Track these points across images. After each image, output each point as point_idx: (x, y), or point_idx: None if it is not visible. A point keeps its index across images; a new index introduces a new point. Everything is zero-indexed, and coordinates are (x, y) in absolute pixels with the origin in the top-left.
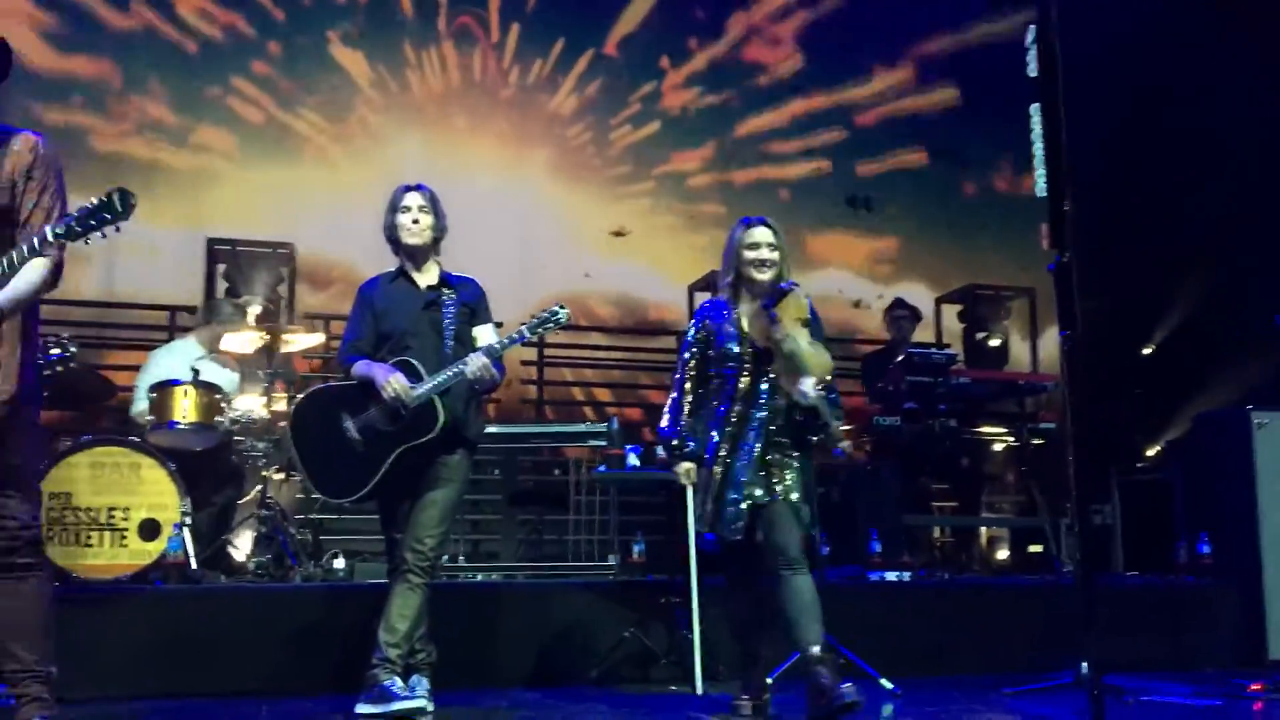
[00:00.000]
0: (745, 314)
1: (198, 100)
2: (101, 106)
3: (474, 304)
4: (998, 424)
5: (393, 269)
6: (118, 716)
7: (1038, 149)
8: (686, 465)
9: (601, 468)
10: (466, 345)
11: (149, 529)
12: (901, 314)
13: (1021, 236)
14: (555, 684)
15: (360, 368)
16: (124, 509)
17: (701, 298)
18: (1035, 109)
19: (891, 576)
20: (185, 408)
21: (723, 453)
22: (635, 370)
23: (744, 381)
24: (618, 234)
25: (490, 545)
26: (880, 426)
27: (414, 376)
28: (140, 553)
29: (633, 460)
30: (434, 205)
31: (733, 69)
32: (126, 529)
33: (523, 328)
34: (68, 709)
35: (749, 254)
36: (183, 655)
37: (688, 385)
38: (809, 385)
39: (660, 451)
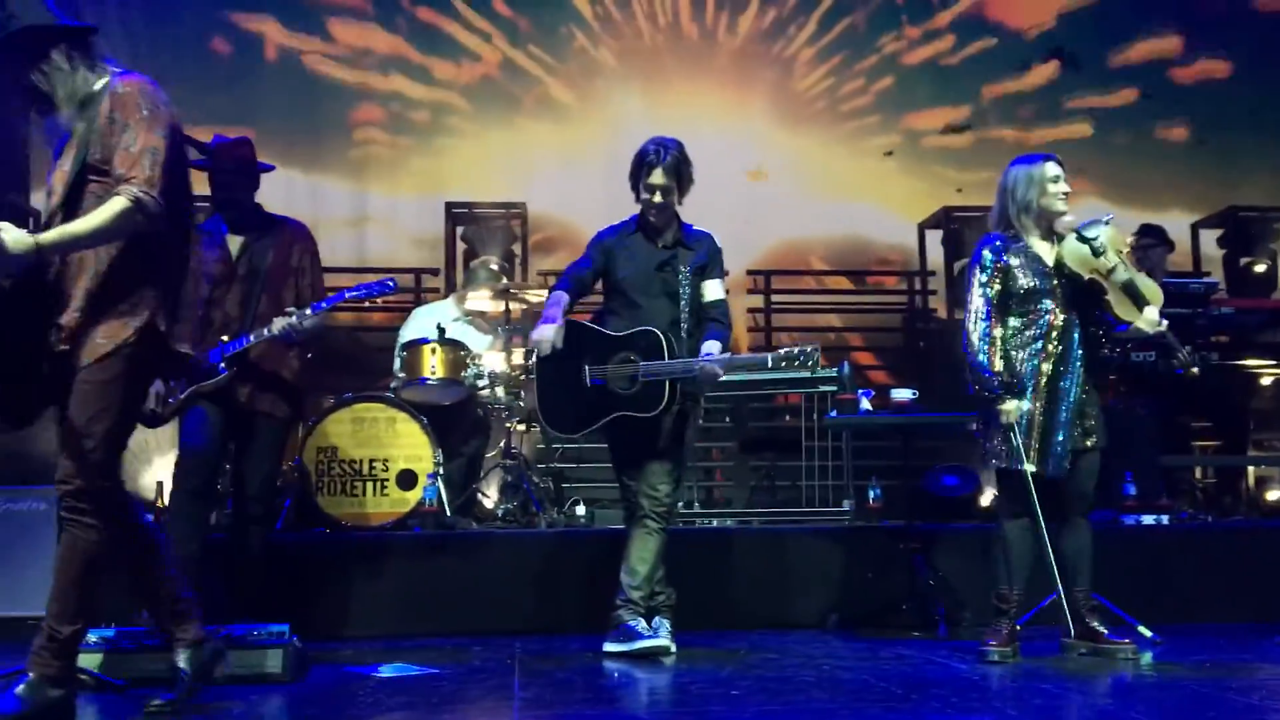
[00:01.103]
0: (1053, 248)
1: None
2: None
3: (706, 261)
4: (1266, 356)
5: (630, 221)
6: (381, 652)
7: None
8: (1015, 403)
9: (833, 413)
10: (700, 308)
11: (407, 479)
12: (1149, 242)
13: None
14: (793, 628)
15: (550, 301)
16: (384, 460)
17: (934, 235)
18: None
19: (1149, 520)
20: (433, 364)
21: (1044, 389)
22: (865, 314)
23: (1059, 317)
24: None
25: (724, 491)
26: (1133, 362)
27: (655, 351)
28: (400, 501)
29: (865, 404)
30: (678, 171)
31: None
32: (387, 479)
33: (769, 356)
34: (340, 645)
35: (1053, 187)
36: (440, 596)
37: (994, 319)
38: (1154, 313)
39: (975, 386)
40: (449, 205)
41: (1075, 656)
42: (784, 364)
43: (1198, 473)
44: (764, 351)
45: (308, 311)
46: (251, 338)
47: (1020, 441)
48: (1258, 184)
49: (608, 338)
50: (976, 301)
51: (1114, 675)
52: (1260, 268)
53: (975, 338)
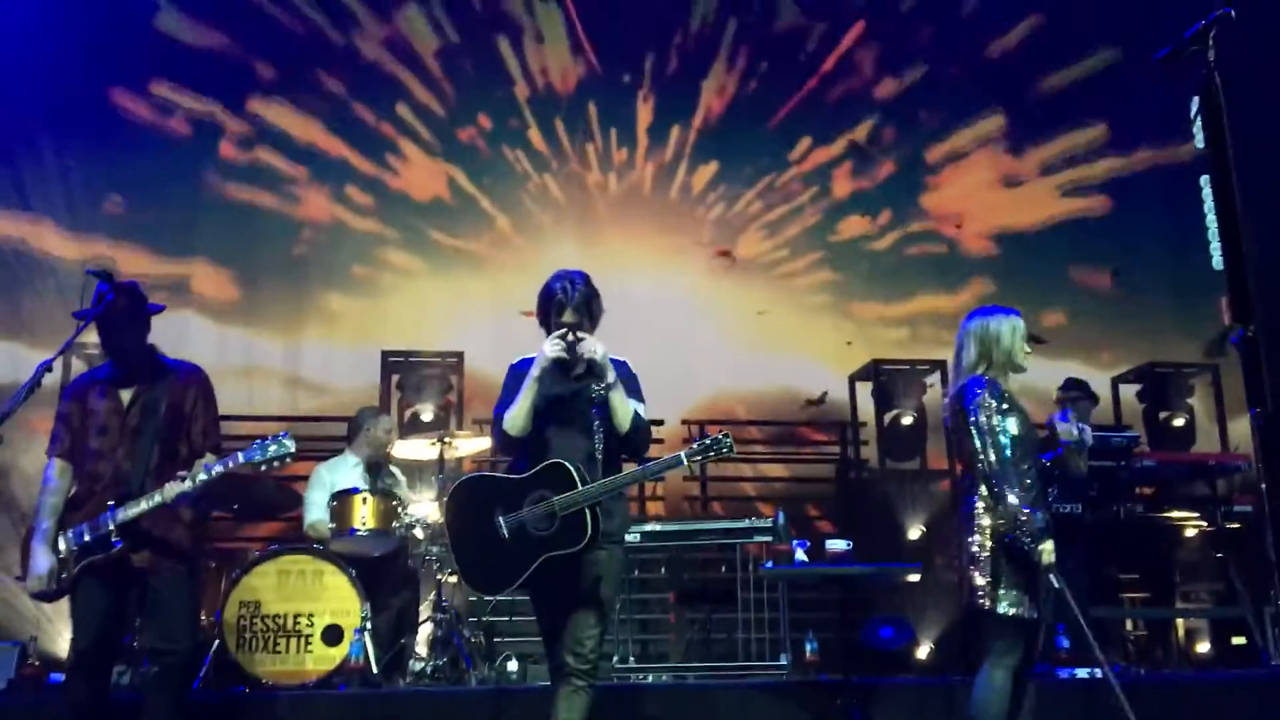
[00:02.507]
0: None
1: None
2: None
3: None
4: (1188, 508)
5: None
6: None
7: (1211, 221)
8: (1051, 545)
9: (769, 564)
10: (614, 437)
11: (332, 634)
12: (1075, 394)
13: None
14: None
15: (521, 390)
16: (309, 615)
17: (864, 387)
18: (1205, 181)
19: (1083, 674)
20: (364, 515)
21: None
22: (798, 464)
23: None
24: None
25: (660, 645)
26: (1061, 514)
27: (567, 482)
28: (324, 658)
29: (800, 555)
30: (589, 307)
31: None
32: (311, 635)
33: (682, 454)
34: None
35: (1027, 345)
36: None
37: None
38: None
39: (1017, 530)
40: (385, 354)
41: None
42: (698, 456)
43: (1128, 625)
44: (700, 507)
45: (200, 476)
46: (144, 504)
47: (1023, 588)
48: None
49: (514, 481)
50: (998, 439)
51: None
52: (1179, 421)
53: (1011, 475)
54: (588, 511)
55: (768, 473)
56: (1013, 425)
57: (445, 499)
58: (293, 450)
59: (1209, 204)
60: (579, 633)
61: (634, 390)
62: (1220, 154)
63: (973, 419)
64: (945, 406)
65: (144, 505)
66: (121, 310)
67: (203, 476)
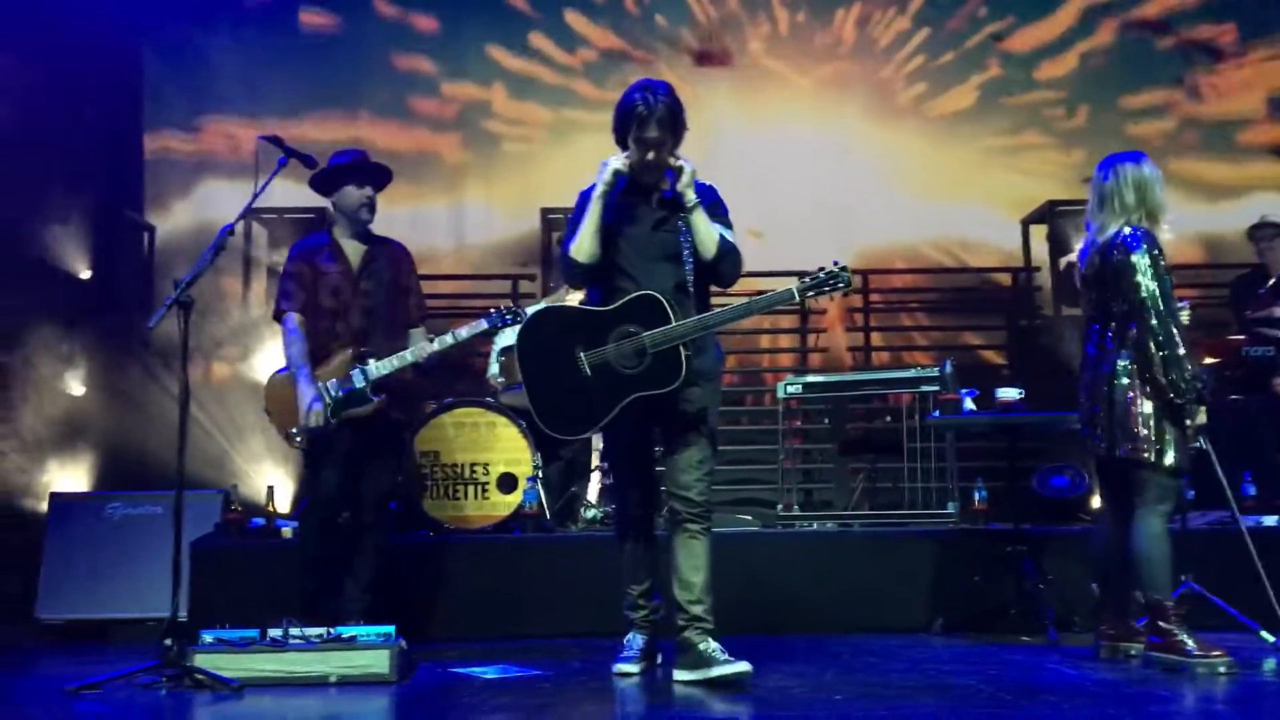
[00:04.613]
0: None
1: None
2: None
3: (706, 211)
4: None
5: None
6: (484, 653)
7: None
8: (1204, 409)
9: (935, 413)
10: (707, 270)
11: (507, 483)
12: (1266, 233)
13: None
14: (897, 632)
15: (585, 212)
16: (484, 464)
17: (1039, 231)
18: None
19: (1270, 521)
20: None
21: None
22: (965, 313)
23: None
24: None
25: (824, 494)
26: (1251, 357)
27: (658, 316)
28: (500, 504)
29: (969, 404)
30: (674, 122)
31: None
32: (488, 483)
33: (793, 286)
34: (444, 646)
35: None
36: (541, 598)
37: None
38: None
39: (1189, 392)
40: (544, 211)
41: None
42: (812, 290)
43: None
44: (863, 357)
45: (448, 339)
46: (395, 362)
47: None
48: None
49: (597, 314)
50: (1168, 291)
51: (1232, 683)
52: None
53: (1181, 332)
54: (681, 348)
55: (938, 322)
56: (1169, 281)
57: (518, 334)
58: (521, 318)
59: None
60: (685, 476)
61: (721, 216)
62: None
63: (1143, 269)
64: (1091, 250)
65: (395, 363)
66: (381, 179)
67: (450, 340)
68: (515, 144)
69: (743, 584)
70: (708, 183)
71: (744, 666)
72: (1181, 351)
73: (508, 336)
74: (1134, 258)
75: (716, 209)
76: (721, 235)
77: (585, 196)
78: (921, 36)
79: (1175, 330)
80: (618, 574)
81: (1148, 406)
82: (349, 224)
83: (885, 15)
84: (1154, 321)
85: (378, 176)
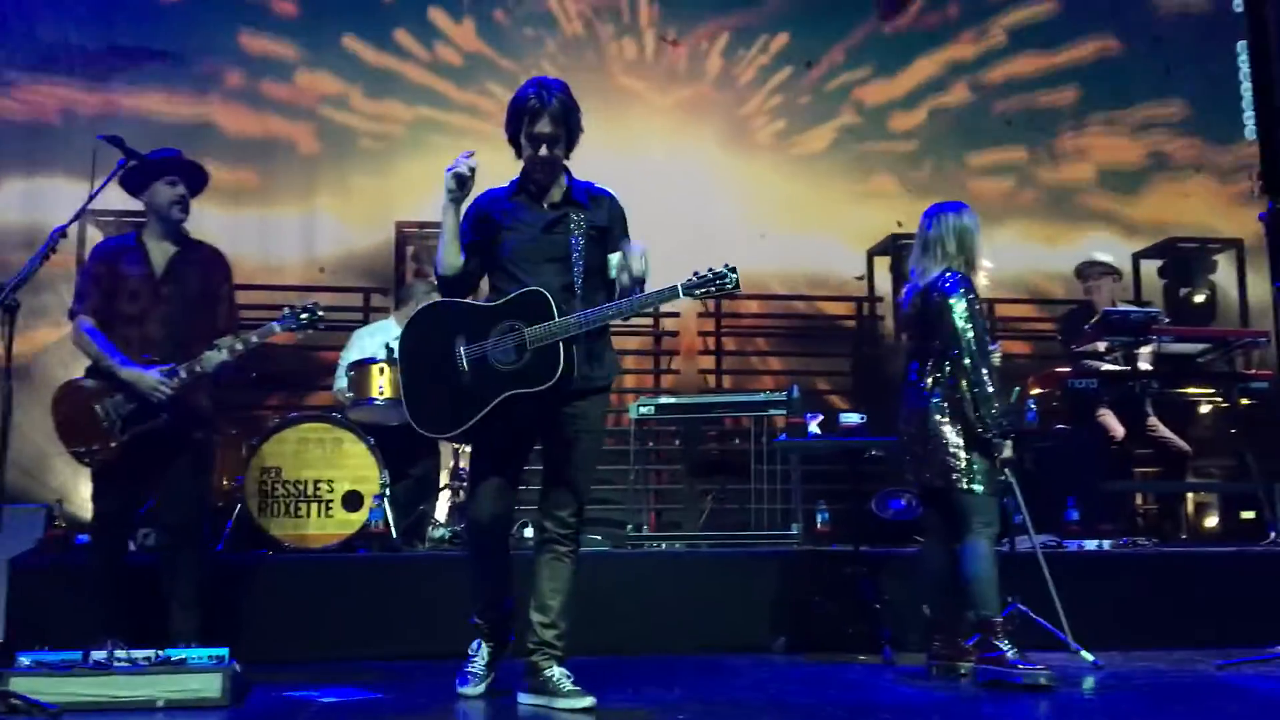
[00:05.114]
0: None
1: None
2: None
3: (607, 225)
4: (1205, 384)
5: (510, 184)
6: (323, 676)
7: (1246, 89)
8: (1010, 443)
9: (783, 436)
10: (596, 274)
11: (352, 500)
12: (1094, 271)
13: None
14: (739, 652)
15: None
16: (329, 481)
17: (882, 262)
18: (1242, 46)
19: (1091, 545)
20: (381, 384)
21: None
22: (814, 338)
23: None
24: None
25: (674, 515)
26: (1075, 389)
27: (542, 312)
28: (345, 523)
29: (814, 428)
30: (567, 118)
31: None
32: (332, 500)
33: (679, 284)
34: (281, 669)
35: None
36: (385, 620)
37: None
38: None
39: (995, 428)
40: (399, 224)
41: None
42: (698, 290)
43: (1139, 499)
44: (714, 380)
45: (238, 346)
46: (183, 373)
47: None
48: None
49: (483, 310)
50: (981, 334)
51: (1055, 697)
52: (1199, 297)
53: (987, 372)
54: (562, 345)
55: (786, 348)
56: (982, 324)
57: (406, 323)
58: (321, 317)
59: (1244, 70)
60: (560, 495)
61: (625, 230)
62: (1258, 17)
63: (959, 313)
64: (914, 293)
65: (184, 375)
66: (194, 181)
67: (239, 347)
68: (372, 141)
69: (592, 604)
70: (610, 191)
71: (589, 701)
72: (991, 390)
73: (355, 351)
74: (952, 301)
75: (622, 223)
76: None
77: (473, 205)
78: (783, 75)
79: (986, 370)
80: (465, 595)
81: (959, 439)
82: (159, 224)
83: (749, 52)
84: (967, 361)
85: (192, 176)
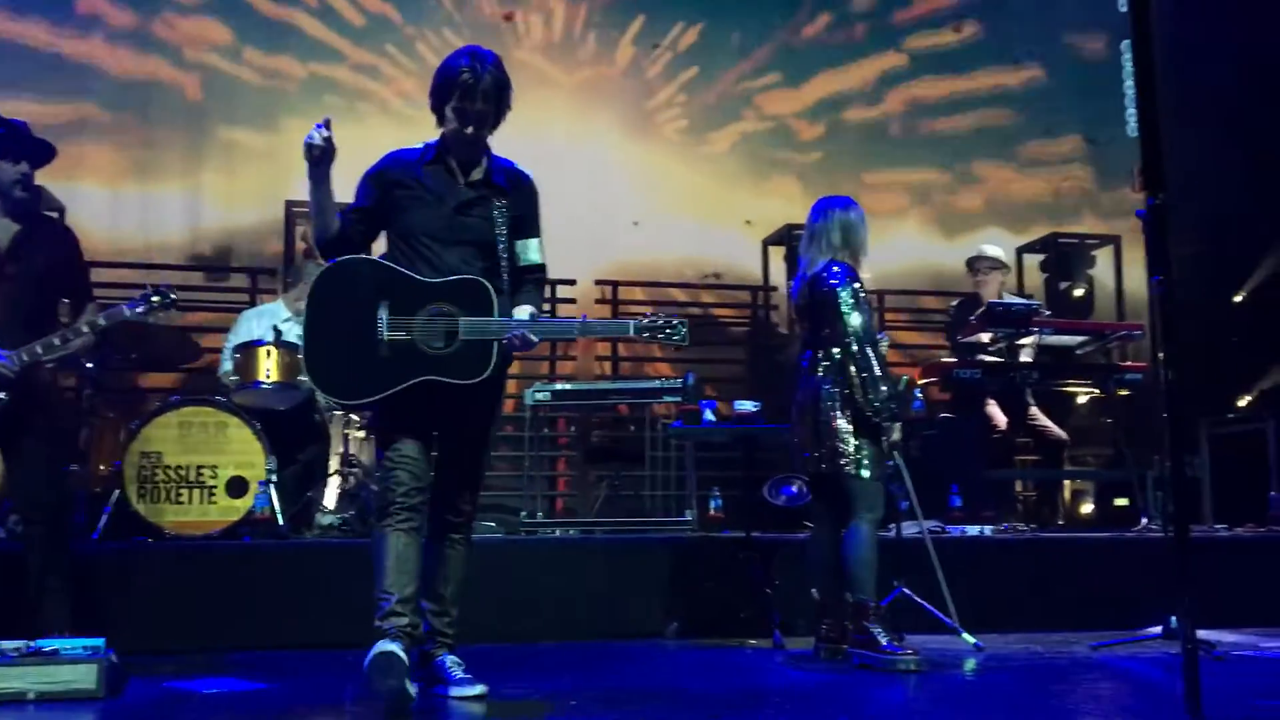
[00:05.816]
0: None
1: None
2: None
3: (525, 214)
4: (1083, 375)
5: (426, 147)
6: (205, 667)
7: (1128, 87)
8: (899, 426)
9: (677, 423)
10: (513, 266)
11: (237, 486)
12: (983, 264)
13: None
14: (632, 638)
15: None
16: (212, 467)
17: (777, 252)
18: (1126, 45)
19: (973, 531)
20: (269, 367)
21: None
22: (711, 325)
23: None
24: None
25: (568, 501)
26: (960, 379)
27: (480, 307)
28: (229, 509)
29: (708, 415)
30: (499, 95)
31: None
32: (215, 486)
33: (631, 324)
34: (162, 660)
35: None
36: (271, 608)
37: None
38: None
39: (884, 412)
40: (290, 203)
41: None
42: (647, 333)
43: (1019, 486)
44: (610, 367)
45: (83, 328)
46: (24, 355)
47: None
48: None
49: (416, 282)
50: (867, 322)
51: (936, 678)
52: (1079, 292)
53: (875, 358)
54: (495, 347)
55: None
56: (868, 313)
57: (321, 272)
58: (173, 300)
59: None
60: (457, 482)
61: (537, 223)
62: (1142, 17)
63: (845, 302)
64: (802, 283)
65: (25, 357)
66: (37, 149)
67: (85, 330)
68: (262, 96)
69: (486, 591)
70: (529, 173)
71: (480, 689)
72: (878, 374)
73: (241, 333)
74: (840, 291)
75: (535, 214)
76: (539, 264)
77: (363, 179)
78: (690, 74)
79: (873, 357)
80: (354, 582)
81: (849, 425)
82: (1, 202)
83: (659, 49)
84: (854, 349)
85: (36, 152)
